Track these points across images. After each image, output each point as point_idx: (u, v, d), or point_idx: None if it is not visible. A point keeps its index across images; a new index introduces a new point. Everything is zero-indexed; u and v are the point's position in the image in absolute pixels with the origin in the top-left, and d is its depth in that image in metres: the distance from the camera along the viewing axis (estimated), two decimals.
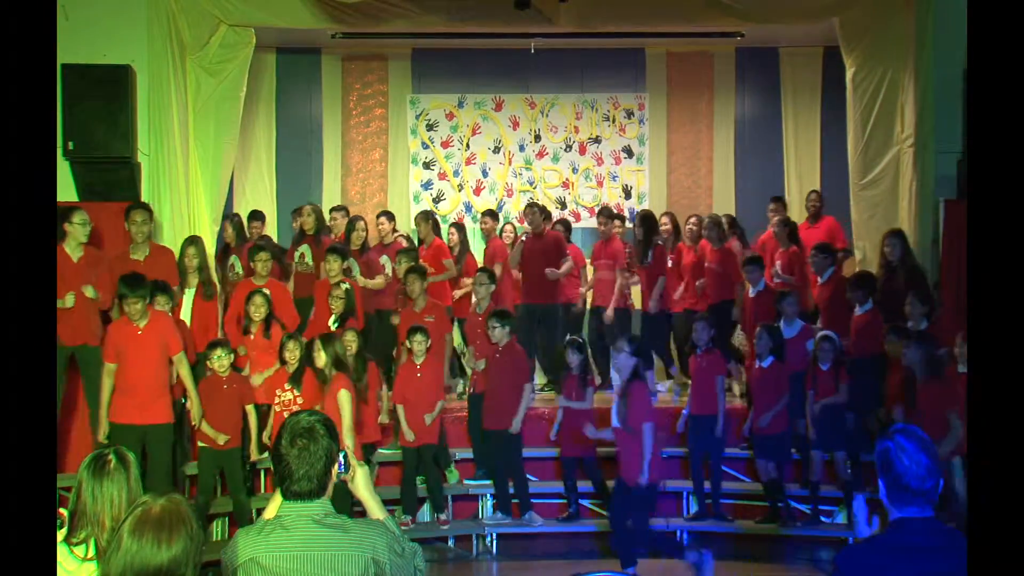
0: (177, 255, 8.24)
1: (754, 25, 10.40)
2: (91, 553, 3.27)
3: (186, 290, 8.14)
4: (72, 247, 7.53)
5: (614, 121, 12.08)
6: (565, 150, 12.12)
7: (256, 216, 10.24)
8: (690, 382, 8.44)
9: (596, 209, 10.95)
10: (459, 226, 10.41)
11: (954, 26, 8.52)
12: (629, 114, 12.08)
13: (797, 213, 11.56)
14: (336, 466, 3.08)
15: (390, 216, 10.12)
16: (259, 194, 11.66)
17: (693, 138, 12.11)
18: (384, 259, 9.49)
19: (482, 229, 10.30)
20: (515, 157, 12.10)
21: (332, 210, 10.16)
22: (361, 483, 3.23)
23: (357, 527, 3.03)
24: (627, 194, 12.06)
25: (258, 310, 7.85)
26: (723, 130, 12.08)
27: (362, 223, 9.52)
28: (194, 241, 8.30)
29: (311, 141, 12.04)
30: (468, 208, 11.99)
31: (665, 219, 10.24)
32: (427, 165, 12.08)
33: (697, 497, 8.17)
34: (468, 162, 12.08)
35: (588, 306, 10.21)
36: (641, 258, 9.36)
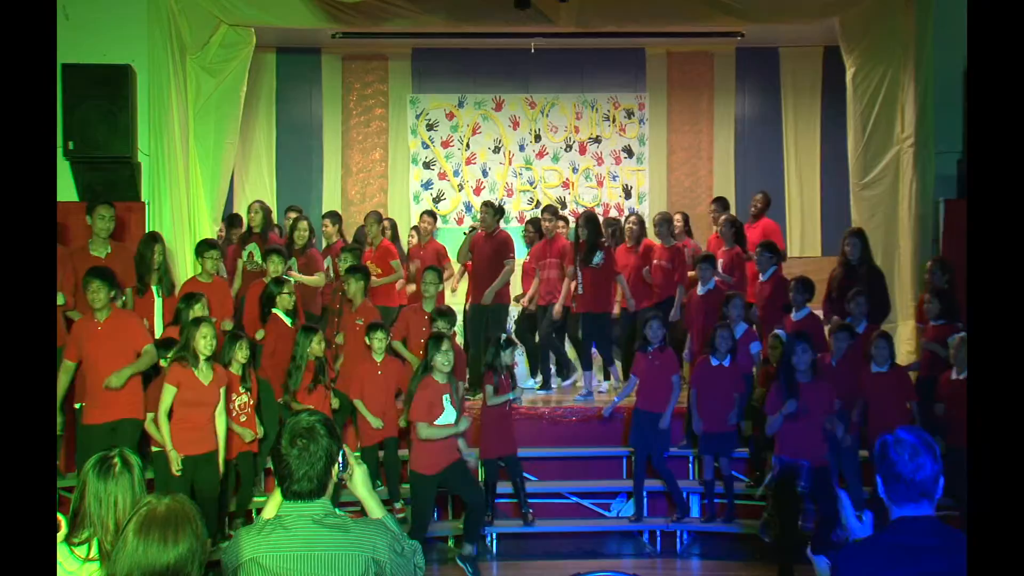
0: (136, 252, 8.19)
1: (754, 25, 10.41)
2: (93, 553, 3.27)
3: (153, 287, 8.05)
4: None
5: (614, 121, 12.09)
6: (565, 150, 12.12)
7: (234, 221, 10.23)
8: (638, 380, 8.24)
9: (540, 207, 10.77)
10: (417, 228, 10.53)
11: (954, 26, 8.52)
12: (629, 114, 12.09)
13: (797, 210, 11.62)
14: (336, 466, 3.08)
15: (334, 218, 10.06)
16: (259, 194, 11.64)
17: (693, 138, 12.11)
18: (327, 260, 9.47)
19: (420, 227, 10.37)
20: (515, 157, 12.11)
21: (287, 210, 10.23)
22: (359, 482, 3.23)
23: (357, 527, 3.03)
24: (627, 194, 12.06)
25: (203, 310, 7.51)
26: (723, 130, 12.09)
27: (304, 223, 9.40)
28: (155, 239, 8.20)
29: (311, 141, 12.05)
30: (468, 208, 12.00)
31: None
32: (427, 165, 12.08)
33: (637, 496, 8.17)
34: (468, 162, 12.09)
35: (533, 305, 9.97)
36: (586, 259, 9.14)
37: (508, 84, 12.09)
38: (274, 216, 10.07)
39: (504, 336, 8.26)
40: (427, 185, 12.07)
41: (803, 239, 11.94)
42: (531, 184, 12.10)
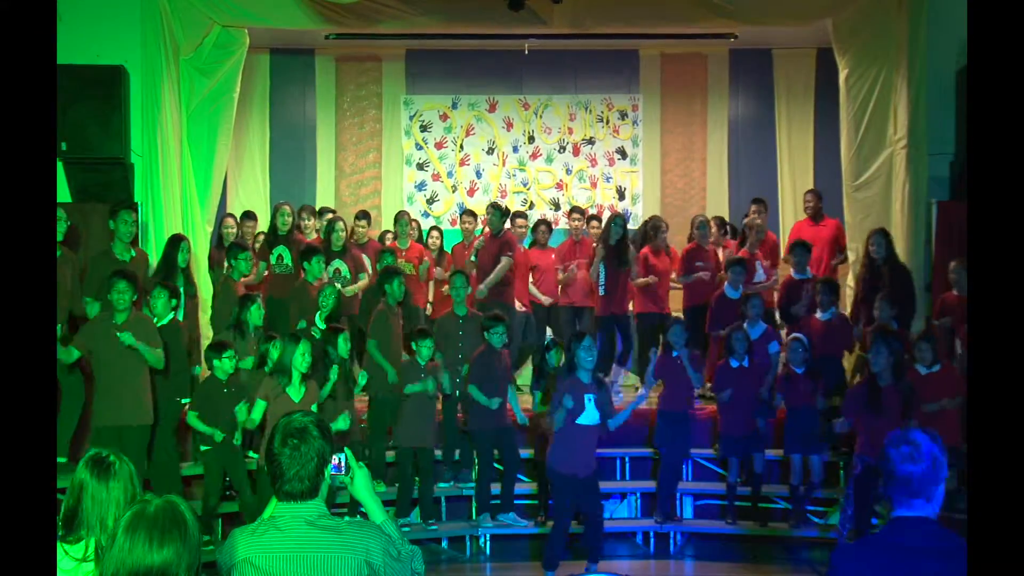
0: (158, 254, 8.26)
1: (747, 26, 10.42)
2: (88, 554, 3.25)
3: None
4: None
5: (608, 122, 12.10)
6: (559, 151, 12.12)
7: (251, 216, 10.31)
8: (657, 382, 8.22)
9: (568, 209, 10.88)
10: (439, 229, 10.55)
11: (947, 28, 8.56)
12: (623, 115, 12.10)
13: (791, 213, 11.62)
14: (328, 467, 3.07)
15: (367, 218, 10.31)
16: (252, 195, 11.64)
17: (687, 139, 12.12)
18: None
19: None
20: (509, 158, 12.10)
21: (320, 211, 10.31)
22: (361, 485, 3.22)
23: (350, 529, 3.02)
24: (621, 195, 12.07)
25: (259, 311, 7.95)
26: (717, 131, 12.09)
27: (341, 223, 9.57)
28: (180, 239, 8.26)
29: (305, 142, 12.02)
30: (462, 209, 11.98)
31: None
32: (421, 166, 12.07)
33: (664, 498, 8.15)
34: (462, 163, 12.08)
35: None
36: (619, 260, 9.30)
37: (502, 85, 12.08)
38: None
39: (550, 339, 8.31)
40: (421, 186, 12.06)
41: (786, 240, 11.96)
42: (525, 185, 12.09)
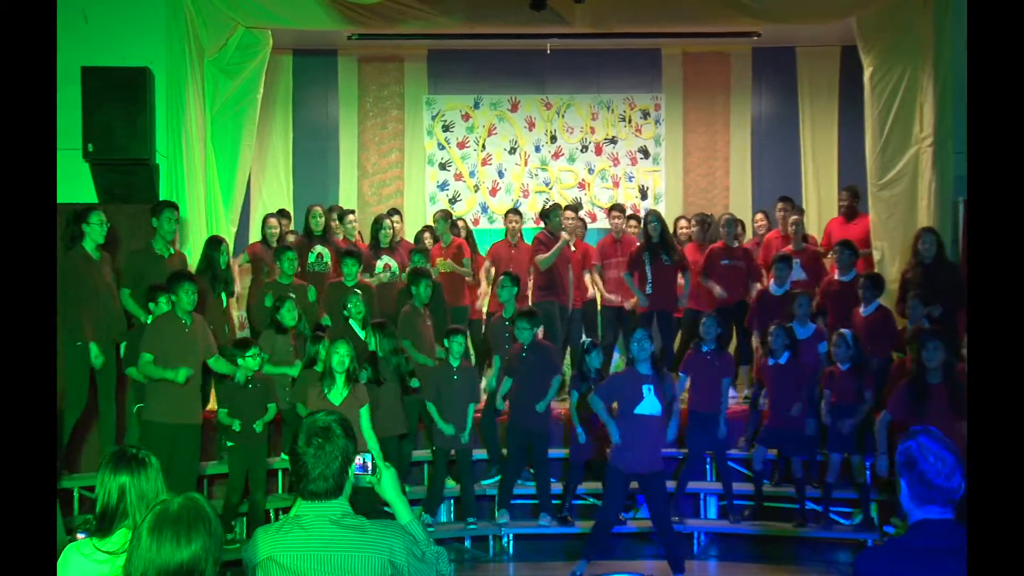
0: (199, 255, 8.33)
1: (771, 25, 10.37)
2: (125, 544, 3.27)
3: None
4: (91, 248, 7.58)
5: (630, 122, 12.06)
6: (581, 151, 12.10)
7: (285, 215, 10.40)
8: (688, 378, 8.25)
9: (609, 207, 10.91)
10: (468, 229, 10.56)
11: None
12: (645, 115, 12.06)
13: (815, 213, 11.55)
14: (352, 466, 3.08)
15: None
16: (276, 195, 11.69)
17: (709, 138, 12.07)
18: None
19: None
20: (531, 158, 12.09)
21: (347, 212, 10.32)
22: (388, 486, 3.23)
23: (375, 528, 3.03)
24: (643, 195, 12.03)
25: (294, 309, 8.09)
26: (740, 130, 12.03)
27: (387, 222, 9.65)
28: (219, 241, 8.37)
29: (328, 142, 12.06)
30: (484, 209, 12.00)
31: (683, 221, 10.42)
32: (443, 166, 12.09)
33: (679, 497, 8.12)
34: (484, 163, 12.08)
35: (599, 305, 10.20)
36: (662, 256, 9.23)
37: (524, 85, 12.07)
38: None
39: (588, 341, 8.32)
40: (443, 186, 12.07)
41: (820, 240, 11.88)
42: (547, 185, 12.08)
